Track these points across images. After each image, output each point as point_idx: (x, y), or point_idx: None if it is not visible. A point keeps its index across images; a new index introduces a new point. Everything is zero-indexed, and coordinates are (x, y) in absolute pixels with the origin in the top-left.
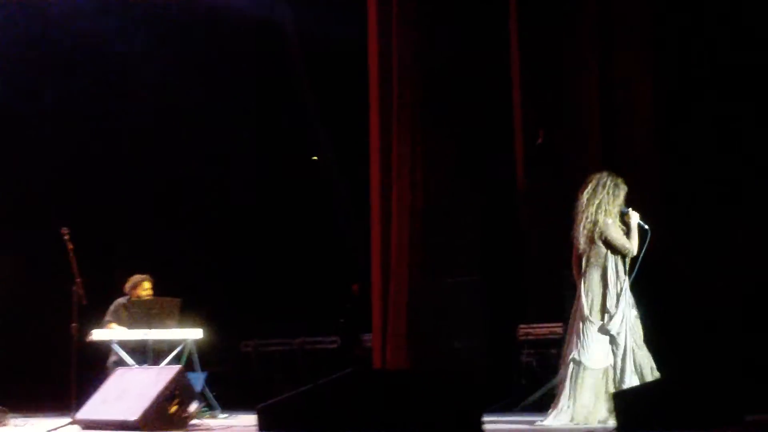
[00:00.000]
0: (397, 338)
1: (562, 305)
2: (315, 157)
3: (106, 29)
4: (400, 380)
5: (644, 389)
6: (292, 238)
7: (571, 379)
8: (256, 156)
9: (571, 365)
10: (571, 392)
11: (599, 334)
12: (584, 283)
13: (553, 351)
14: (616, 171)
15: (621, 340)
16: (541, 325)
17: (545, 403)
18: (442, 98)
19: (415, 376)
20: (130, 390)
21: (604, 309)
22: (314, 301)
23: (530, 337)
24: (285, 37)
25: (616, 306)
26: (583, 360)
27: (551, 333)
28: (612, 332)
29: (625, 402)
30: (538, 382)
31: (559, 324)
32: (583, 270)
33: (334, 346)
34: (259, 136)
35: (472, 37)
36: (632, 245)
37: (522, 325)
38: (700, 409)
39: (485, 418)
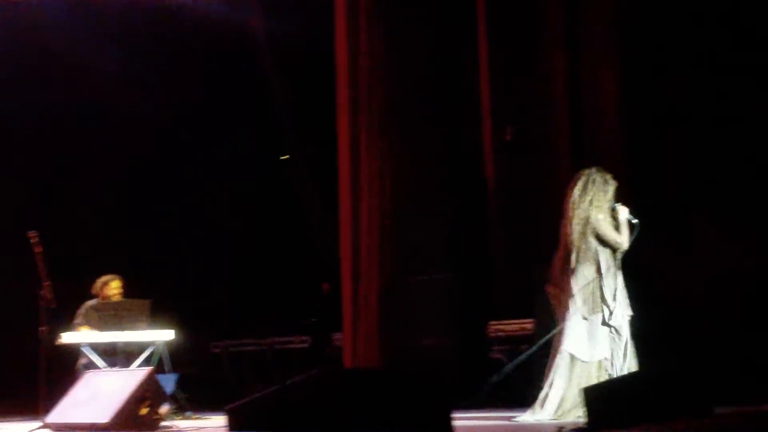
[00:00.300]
0: (367, 337)
1: (532, 302)
2: (284, 157)
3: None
4: (370, 379)
5: (614, 384)
6: (262, 237)
7: (560, 371)
8: (226, 157)
9: (565, 358)
10: (559, 384)
11: (593, 327)
12: (575, 278)
13: (524, 347)
14: (584, 167)
15: (623, 332)
16: (511, 321)
17: (510, 395)
18: (411, 97)
19: (385, 374)
20: (100, 392)
21: (599, 303)
22: (284, 300)
23: (501, 334)
24: (255, 38)
25: (614, 299)
26: (577, 353)
27: (522, 329)
28: (614, 325)
29: (595, 397)
30: (508, 379)
31: (530, 320)
32: (572, 266)
33: (305, 345)
34: (228, 136)
35: (441, 36)
36: (623, 240)
37: (492, 322)
38: (670, 402)
39: (457, 415)
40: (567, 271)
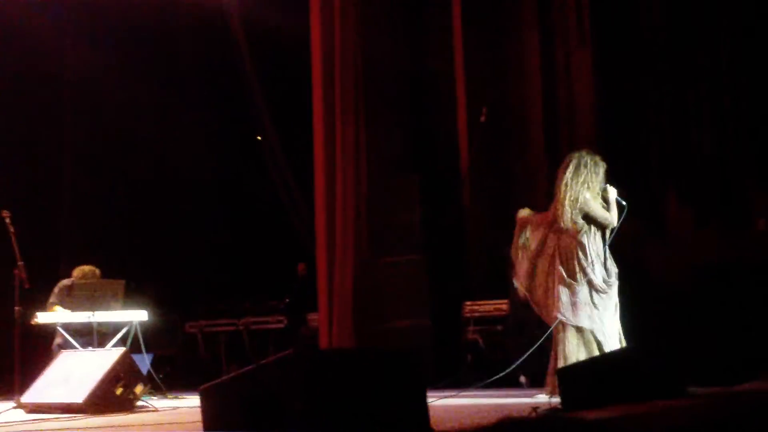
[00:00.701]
0: (342, 318)
1: (507, 282)
2: (259, 137)
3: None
4: (344, 359)
5: (588, 365)
6: (238, 218)
7: (560, 345)
8: (200, 137)
9: (563, 328)
10: (562, 357)
11: (576, 296)
12: (562, 254)
13: (499, 327)
14: (558, 154)
15: (607, 306)
16: (486, 302)
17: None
18: (385, 82)
19: (359, 353)
20: (75, 373)
21: (584, 275)
22: (260, 281)
23: (475, 315)
24: (230, 24)
25: (608, 274)
26: (571, 319)
27: (496, 310)
28: (615, 299)
29: (569, 378)
30: (484, 359)
31: (505, 301)
32: (565, 243)
33: (281, 326)
34: (202, 118)
35: (416, 20)
36: (612, 217)
37: (467, 303)
38: (644, 383)
39: (432, 396)
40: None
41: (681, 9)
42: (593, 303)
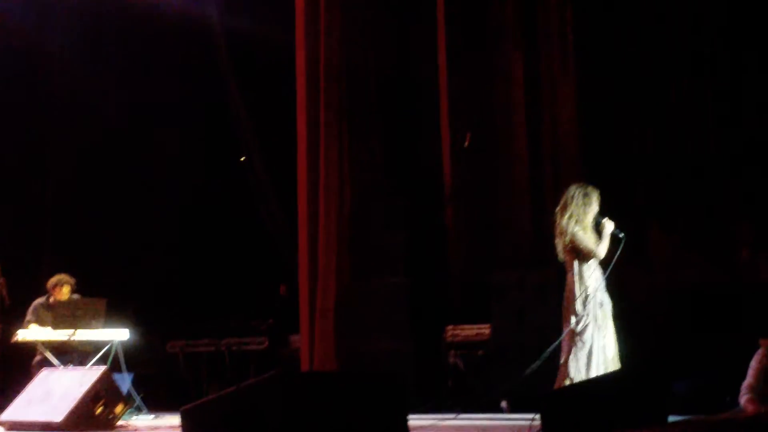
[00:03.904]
0: (324, 340)
1: (490, 307)
2: (243, 158)
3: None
4: (325, 381)
5: (569, 391)
6: (220, 238)
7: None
8: (183, 156)
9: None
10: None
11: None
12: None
13: (480, 352)
14: (542, 173)
15: (586, 338)
16: (467, 326)
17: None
18: (369, 100)
19: (341, 376)
20: (55, 391)
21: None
22: (242, 302)
23: (457, 339)
24: (213, 38)
25: (584, 308)
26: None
27: (478, 334)
28: (577, 330)
29: (550, 404)
30: (465, 383)
31: (486, 325)
32: (567, 283)
33: (262, 347)
34: (185, 136)
35: (400, 39)
36: (599, 249)
37: (449, 327)
38: (624, 410)
39: (413, 419)
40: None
41: (664, 35)
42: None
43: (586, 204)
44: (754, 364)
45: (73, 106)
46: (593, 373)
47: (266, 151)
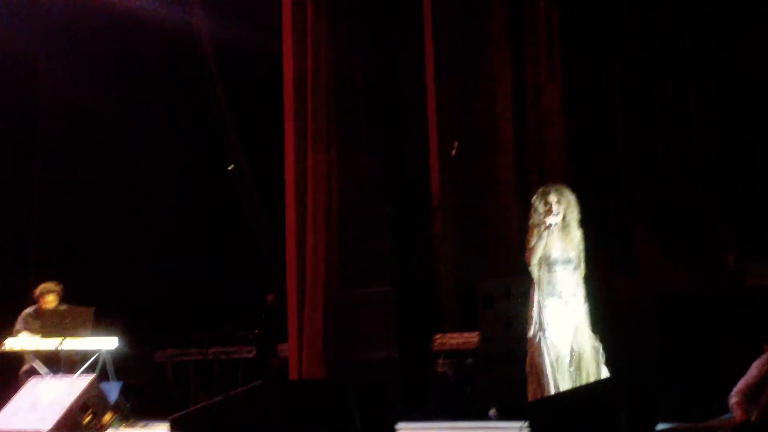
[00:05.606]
0: (312, 349)
1: (478, 315)
2: (231, 167)
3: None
4: (314, 390)
5: (556, 400)
6: (208, 247)
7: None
8: (172, 164)
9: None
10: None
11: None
12: None
13: (469, 360)
14: (529, 180)
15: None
16: (456, 334)
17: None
18: (356, 109)
19: (328, 385)
20: (43, 400)
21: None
22: (230, 311)
23: (445, 347)
24: (199, 45)
25: (535, 314)
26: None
27: (466, 343)
28: (528, 336)
29: (537, 412)
30: (453, 392)
31: (474, 333)
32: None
33: (250, 356)
34: (173, 145)
35: (388, 47)
36: (529, 256)
37: (437, 335)
38: (612, 418)
39: (401, 428)
40: None
41: (651, 40)
42: None
43: (536, 208)
44: (755, 371)
45: (60, 112)
46: (550, 374)
47: (253, 160)
